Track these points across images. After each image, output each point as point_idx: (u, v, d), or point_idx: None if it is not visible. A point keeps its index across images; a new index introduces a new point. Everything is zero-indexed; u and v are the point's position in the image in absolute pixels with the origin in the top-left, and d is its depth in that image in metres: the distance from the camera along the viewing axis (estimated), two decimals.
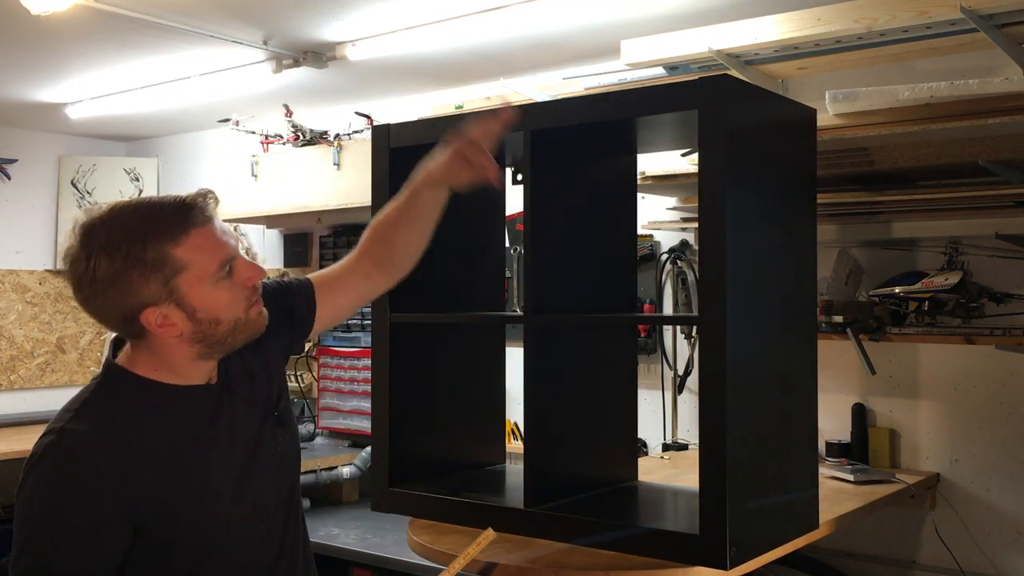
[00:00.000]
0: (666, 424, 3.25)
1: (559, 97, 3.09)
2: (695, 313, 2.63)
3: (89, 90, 3.98)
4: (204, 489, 1.45)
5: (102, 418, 1.40)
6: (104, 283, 1.38)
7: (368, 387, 3.71)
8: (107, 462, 1.36)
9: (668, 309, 3.27)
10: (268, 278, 1.60)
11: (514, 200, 2.26)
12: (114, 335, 1.55)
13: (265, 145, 4.06)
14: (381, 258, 1.75)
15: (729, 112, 1.68)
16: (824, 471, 2.58)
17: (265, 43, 3.23)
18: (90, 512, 1.35)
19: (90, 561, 1.36)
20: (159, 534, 1.40)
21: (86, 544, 1.35)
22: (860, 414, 2.91)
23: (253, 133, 4.05)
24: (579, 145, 2.04)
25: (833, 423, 2.92)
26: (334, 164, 3.81)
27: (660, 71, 2.93)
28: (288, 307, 1.66)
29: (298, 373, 4.24)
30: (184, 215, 1.42)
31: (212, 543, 1.46)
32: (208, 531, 1.46)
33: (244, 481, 1.51)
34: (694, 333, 3.16)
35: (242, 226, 4.44)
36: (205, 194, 1.45)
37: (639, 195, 2.48)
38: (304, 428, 4.07)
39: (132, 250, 1.37)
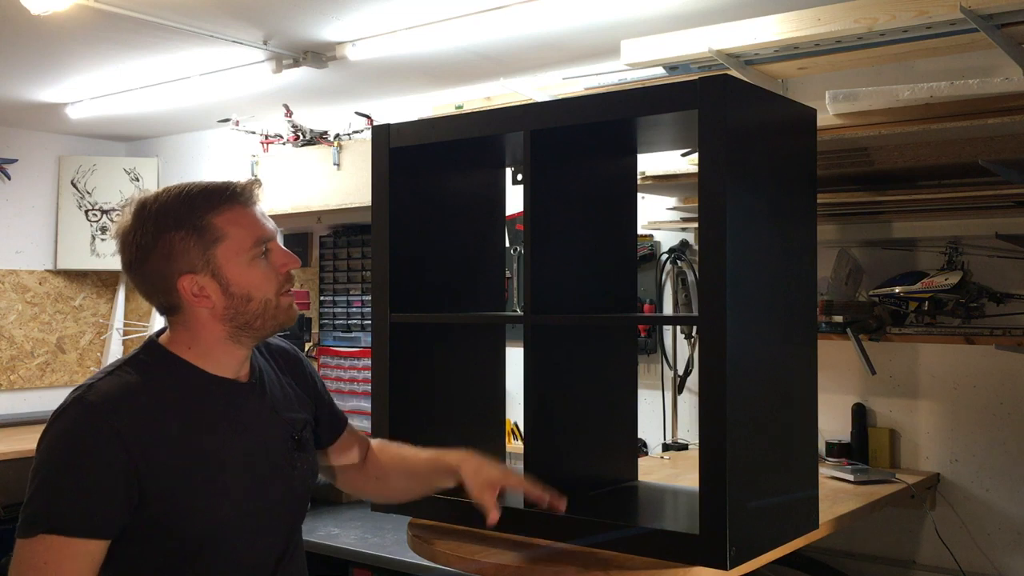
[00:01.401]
0: (666, 424, 3.25)
1: (559, 97, 3.09)
2: (695, 313, 2.63)
3: (89, 90, 3.98)
4: (210, 479, 1.46)
5: (132, 381, 1.45)
6: (147, 248, 1.46)
7: (368, 387, 3.71)
8: (127, 421, 1.39)
9: (668, 309, 3.27)
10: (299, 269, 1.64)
11: (514, 200, 2.26)
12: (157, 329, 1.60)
13: (265, 145, 4.06)
14: (375, 470, 1.87)
15: (729, 112, 1.68)
16: (824, 471, 2.58)
17: (265, 43, 3.23)
18: (102, 466, 1.37)
19: (95, 516, 1.38)
20: (159, 512, 1.41)
21: (93, 498, 1.38)
22: (860, 414, 2.91)
23: (253, 133, 4.04)
24: (579, 145, 2.04)
25: (833, 423, 2.92)
26: (334, 164, 3.81)
27: (660, 71, 2.93)
28: (322, 415, 1.76)
29: None
30: (231, 193, 1.51)
31: (208, 538, 1.46)
32: (206, 525, 1.45)
33: (254, 485, 1.51)
34: (694, 333, 3.16)
35: None
36: (253, 181, 1.55)
37: (639, 195, 2.48)
38: None
39: (177, 215, 1.47)
